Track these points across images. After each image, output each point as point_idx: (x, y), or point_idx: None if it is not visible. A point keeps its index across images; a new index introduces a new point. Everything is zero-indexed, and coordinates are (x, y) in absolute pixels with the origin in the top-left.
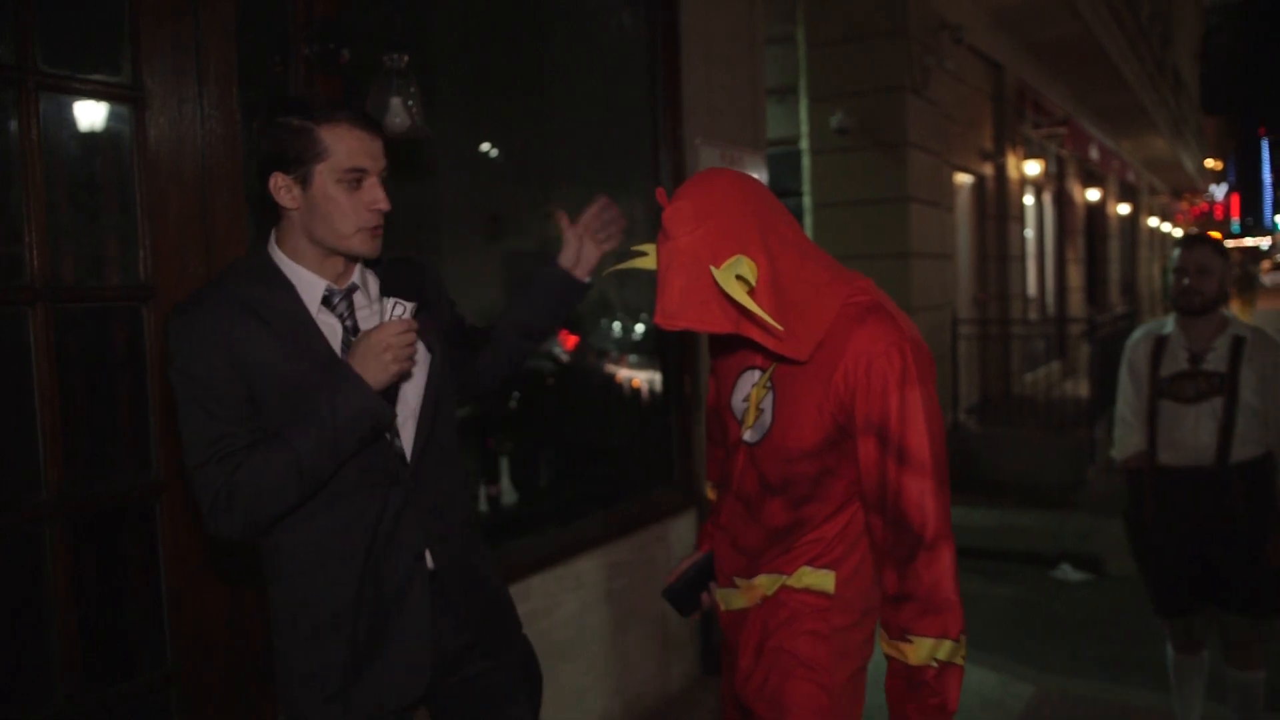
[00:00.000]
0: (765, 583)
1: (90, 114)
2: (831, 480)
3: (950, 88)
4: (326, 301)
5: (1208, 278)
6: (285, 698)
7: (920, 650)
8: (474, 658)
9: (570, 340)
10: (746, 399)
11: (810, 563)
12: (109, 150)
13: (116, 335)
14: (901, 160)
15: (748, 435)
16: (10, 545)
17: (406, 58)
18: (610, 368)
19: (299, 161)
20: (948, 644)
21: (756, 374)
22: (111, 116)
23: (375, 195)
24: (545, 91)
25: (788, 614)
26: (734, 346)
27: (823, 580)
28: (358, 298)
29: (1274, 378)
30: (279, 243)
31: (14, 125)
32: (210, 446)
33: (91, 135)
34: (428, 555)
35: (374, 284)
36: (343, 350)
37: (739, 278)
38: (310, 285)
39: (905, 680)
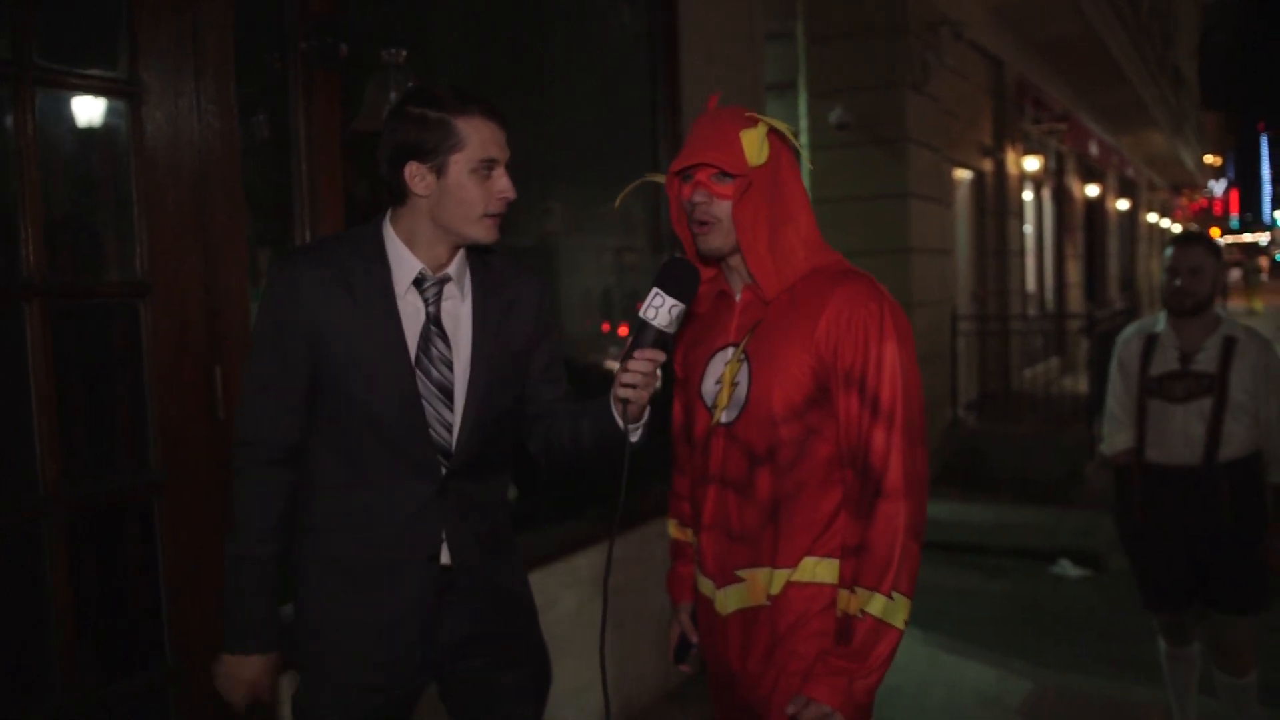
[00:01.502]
0: (765, 577)
1: (87, 109)
2: (816, 443)
3: (950, 83)
4: (418, 283)
5: (1200, 278)
6: (299, 649)
7: (857, 600)
8: (478, 651)
9: (623, 328)
10: (719, 380)
11: (810, 550)
12: (105, 145)
13: (114, 332)
14: (901, 156)
15: (723, 416)
16: (8, 543)
17: (404, 53)
18: (609, 364)
19: (435, 152)
20: (879, 599)
21: (729, 351)
22: (108, 111)
23: (504, 184)
24: (544, 88)
25: (795, 616)
26: (701, 334)
27: (828, 570)
28: (448, 288)
29: (1265, 377)
30: (394, 222)
31: (10, 120)
32: (258, 428)
33: (88, 130)
34: (444, 551)
35: (469, 279)
36: (421, 335)
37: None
38: (408, 267)
39: (839, 626)
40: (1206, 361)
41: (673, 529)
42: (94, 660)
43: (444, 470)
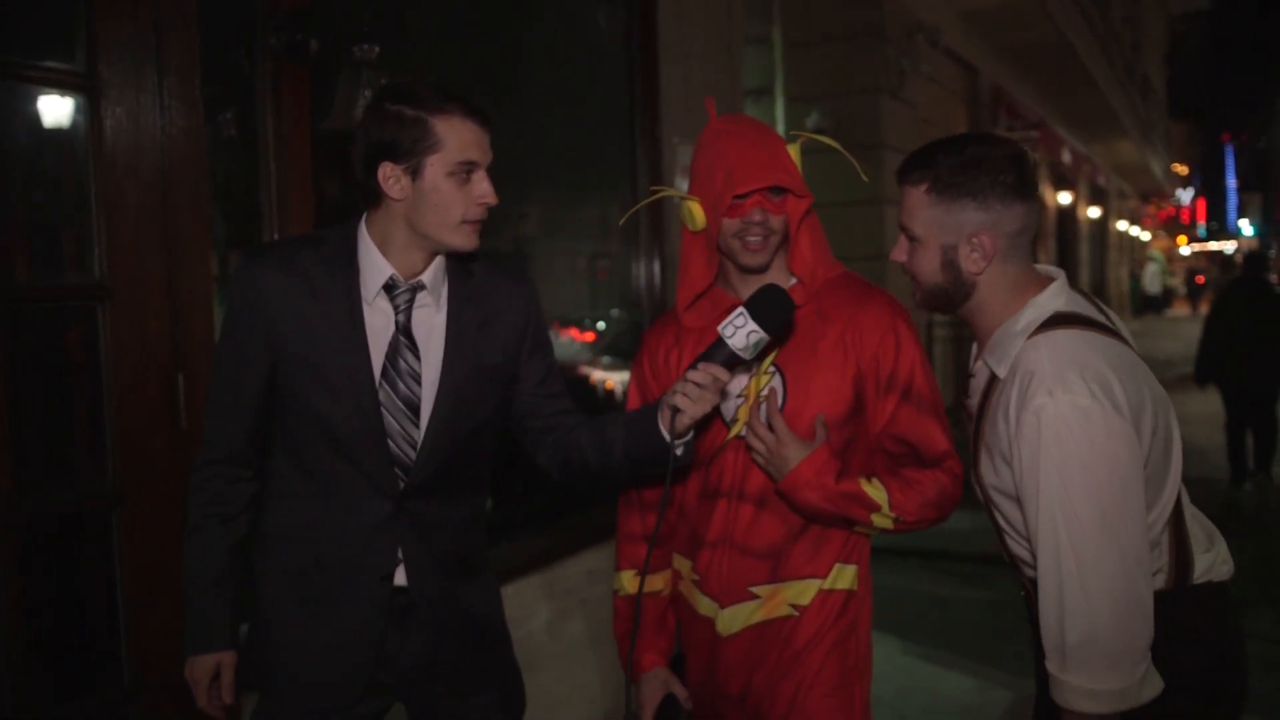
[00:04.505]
0: (796, 590)
1: (42, 103)
2: (852, 453)
3: (926, 90)
4: (389, 289)
5: (917, 252)
6: (254, 665)
7: (870, 484)
8: (437, 676)
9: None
10: (742, 394)
11: (839, 556)
12: (63, 142)
13: (71, 337)
14: (877, 162)
15: (744, 430)
16: None
17: (377, 49)
18: (583, 369)
19: (410, 153)
20: (888, 514)
21: (753, 365)
22: (65, 106)
23: (484, 189)
24: (521, 89)
25: (816, 628)
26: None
27: (850, 577)
28: (422, 296)
29: (1021, 469)
30: (369, 225)
31: None
32: (215, 426)
33: (43, 126)
34: (400, 573)
35: (445, 286)
36: (390, 346)
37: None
38: (378, 272)
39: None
40: (975, 395)
41: (628, 582)
42: (47, 679)
43: (402, 487)
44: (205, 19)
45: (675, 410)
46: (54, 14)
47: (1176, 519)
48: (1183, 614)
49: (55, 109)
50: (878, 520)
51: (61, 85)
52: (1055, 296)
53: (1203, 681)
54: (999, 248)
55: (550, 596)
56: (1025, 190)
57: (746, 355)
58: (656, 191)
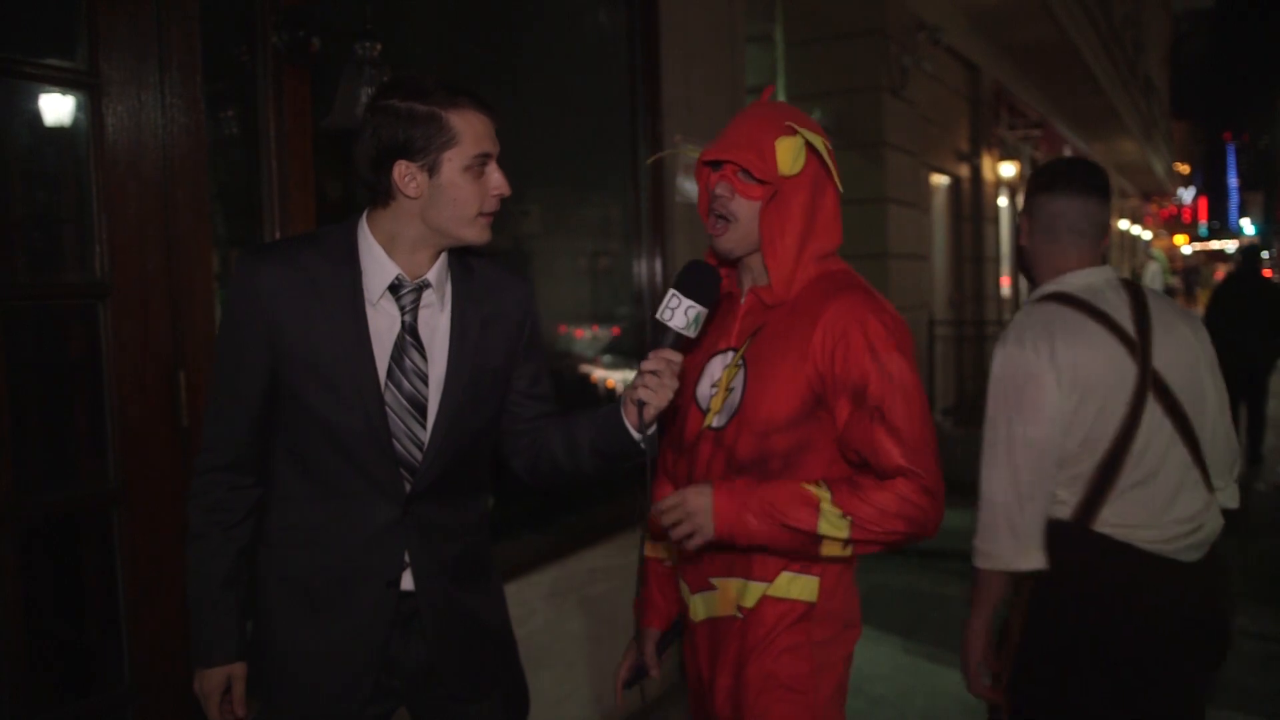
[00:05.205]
0: (739, 589)
1: (42, 101)
2: (805, 457)
3: (928, 89)
4: (394, 289)
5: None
6: (257, 672)
7: (816, 488)
8: (439, 681)
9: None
10: (715, 384)
11: (784, 564)
12: (63, 140)
13: (72, 335)
14: (879, 161)
15: (715, 420)
16: None
17: (379, 47)
18: (584, 368)
19: (426, 150)
20: (835, 509)
21: (729, 355)
22: (66, 104)
23: (497, 180)
24: (522, 88)
25: (766, 630)
26: (702, 336)
27: (806, 588)
28: (427, 295)
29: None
30: (371, 224)
31: None
32: (215, 430)
33: (44, 123)
34: (405, 577)
35: (448, 284)
36: (395, 345)
37: (812, 144)
38: (383, 272)
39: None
40: None
41: (645, 546)
42: (47, 680)
43: (409, 489)
44: (206, 16)
45: (641, 404)
46: (55, 11)
47: (1107, 473)
48: (1071, 549)
49: (56, 106)
50: (825, 526)
51: (63, 83)
52: (1075, 280)
53: (1082, 630)
54: (1038, 225)
55: (551, 595)
56: (1056, 185)
57: (690, 332)
58: (675, 149)
